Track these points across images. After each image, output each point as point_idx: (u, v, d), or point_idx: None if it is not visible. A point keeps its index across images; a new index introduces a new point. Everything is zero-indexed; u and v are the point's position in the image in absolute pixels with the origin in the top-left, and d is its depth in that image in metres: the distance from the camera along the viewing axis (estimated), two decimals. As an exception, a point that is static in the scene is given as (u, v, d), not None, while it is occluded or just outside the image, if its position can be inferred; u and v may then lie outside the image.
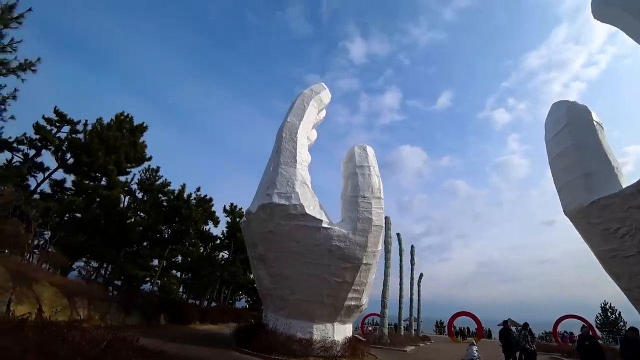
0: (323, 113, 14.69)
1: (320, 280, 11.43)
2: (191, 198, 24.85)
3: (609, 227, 8.59)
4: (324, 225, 11.45)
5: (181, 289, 32.22)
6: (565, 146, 9.30)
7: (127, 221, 21.50)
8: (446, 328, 31.96)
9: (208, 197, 26.43)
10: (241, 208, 28.99)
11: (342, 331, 12.07)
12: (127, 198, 23.03)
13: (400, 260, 24.95)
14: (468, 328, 36.09)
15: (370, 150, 13.48)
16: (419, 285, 32.47)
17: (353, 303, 11.95)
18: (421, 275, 33.66)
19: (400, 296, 24.32)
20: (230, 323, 19.17)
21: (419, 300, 31.67)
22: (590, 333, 9.03)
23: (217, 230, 29.47)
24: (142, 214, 23.03)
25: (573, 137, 9.17)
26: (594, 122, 9.18)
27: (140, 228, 21.89)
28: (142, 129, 23.04)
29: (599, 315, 36.37)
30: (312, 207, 11.80)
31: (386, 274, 19.53)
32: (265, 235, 11.77)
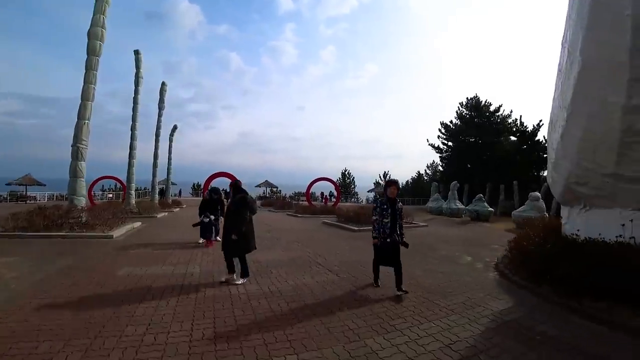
0: None
1: None
2: None
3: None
4: None
5: None
6: None
7: None
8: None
9: None
10: None
11: None
12: None
13: (136, 92, 15.35)
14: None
15: None
16: (170, 140, 24.90)
17: None
18: (175, 127, 25.96)
19: (131, 147, 15.48)
20: None
21: (169, 157, 24.61)
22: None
23: None
24: None
25: None
26: None
27: None
28: None
29: (339, 179, 45.85)
30: None
31: (87, 92, 10.04)
32: None
